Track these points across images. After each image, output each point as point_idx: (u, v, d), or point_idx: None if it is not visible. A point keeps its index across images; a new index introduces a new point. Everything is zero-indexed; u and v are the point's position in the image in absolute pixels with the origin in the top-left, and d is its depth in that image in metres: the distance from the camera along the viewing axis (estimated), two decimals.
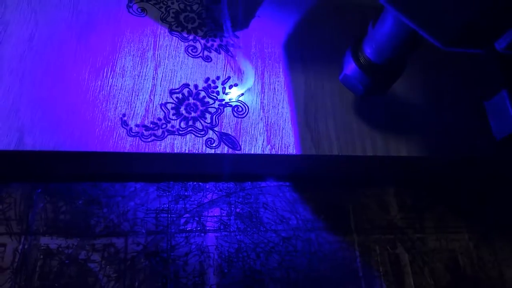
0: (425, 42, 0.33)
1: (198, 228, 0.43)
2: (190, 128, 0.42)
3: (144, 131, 0.41)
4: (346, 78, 0.40)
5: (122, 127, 0.41)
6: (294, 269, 0.43)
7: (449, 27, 0.29)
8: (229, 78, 0.45)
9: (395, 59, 0.37)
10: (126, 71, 0.44)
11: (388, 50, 0.36)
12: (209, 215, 0.44)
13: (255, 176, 0.46)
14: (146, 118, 0.42)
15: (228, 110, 0.43)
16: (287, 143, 0.43)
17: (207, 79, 0.44)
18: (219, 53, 0.46)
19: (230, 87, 0.44)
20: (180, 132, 0.42)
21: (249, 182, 0.46)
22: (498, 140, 0.45)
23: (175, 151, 0.41)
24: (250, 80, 0.43)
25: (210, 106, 0.43)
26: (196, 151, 0.41)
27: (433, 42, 0.30)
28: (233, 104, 0.44)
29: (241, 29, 0.48)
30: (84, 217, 0.42)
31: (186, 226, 0.43)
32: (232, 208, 0.44)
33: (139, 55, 0.45)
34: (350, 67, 0.39)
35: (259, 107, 0.44)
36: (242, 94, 0.44)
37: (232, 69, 0.45)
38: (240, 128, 0.43)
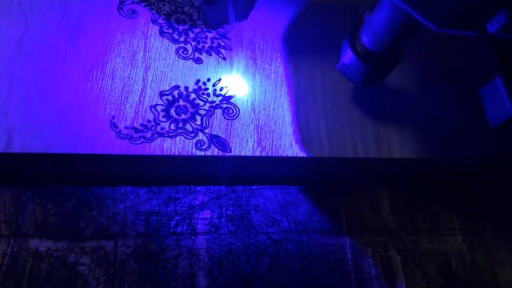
0: (421, 29, 0.33)
1: (189, 231, 0.43)
2: (180, 130, 0.42)
3: (133, 133, 0.41)
4: (343, 67, 0.40)
5: (112, 129, 0.41)
6: (285, 272, 0.42)
7: (441, 9, 0.29)
8: (219, 80, 0.45)
9: (392, 47, 0.37)
10: (116, 73, 0.43)
11: (385, 37, 0.36)
12: (200, 217, 0.43)
13: (246, 179, 0.45)
14: (136, 120, 0.41)
15: (218, 112, 0.43)
16: (278, 145, 0.42)
17: (197, 81, 0.44)
18: (210, 55, 0.46)
19: (221, 89, 0.44)
20: (170, 134, 0.41)
21: (240, 185, 0.45)
22: (493, 128, 0.45)
23: (165, 154, 0.40)
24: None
25: (201, 108, 0.43)
26: (186, 153, 0.41)
27: (426, 24, 0.30)
28: (224, 106, 0.43)
29: (240, 20, 0.48)
30: (74, 220, 0.42)
31: (176, 229, 0.43)
32: (223, 211, 0.44)
33: (129, 56, 0.44)
34: (348, 56, 0.39)
35: (250, 109, 0.44)
36: (233, 96, 0.44)
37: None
38: (230, 130, 0.42)
